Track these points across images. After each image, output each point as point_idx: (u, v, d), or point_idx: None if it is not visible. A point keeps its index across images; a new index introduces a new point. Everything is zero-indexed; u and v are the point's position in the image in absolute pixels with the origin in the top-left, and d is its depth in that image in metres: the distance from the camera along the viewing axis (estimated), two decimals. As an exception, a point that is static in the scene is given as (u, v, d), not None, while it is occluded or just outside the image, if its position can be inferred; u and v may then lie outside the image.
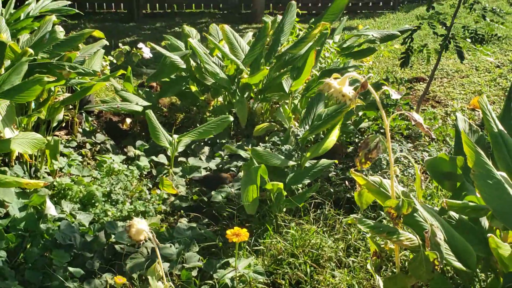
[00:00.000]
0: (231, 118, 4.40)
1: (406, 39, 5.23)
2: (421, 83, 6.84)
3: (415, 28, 5.31)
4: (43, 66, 3.71)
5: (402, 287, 2.36)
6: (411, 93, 6.32)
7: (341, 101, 2.16)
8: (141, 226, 2.24)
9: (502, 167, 2.45)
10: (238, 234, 2.51)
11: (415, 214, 2.25)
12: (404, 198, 2.17)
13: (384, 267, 3.05)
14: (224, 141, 4.74)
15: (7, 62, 3.93)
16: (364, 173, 3.88)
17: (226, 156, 4.57)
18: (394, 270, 2.90)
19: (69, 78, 3.83)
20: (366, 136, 4.80)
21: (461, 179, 2.60)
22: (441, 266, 2.16)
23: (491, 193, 2.24)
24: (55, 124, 4.43)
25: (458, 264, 2.17)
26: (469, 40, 5.22)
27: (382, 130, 4.98)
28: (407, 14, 11.70)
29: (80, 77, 4.17)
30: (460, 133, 2.52)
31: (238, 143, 4.70)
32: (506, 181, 2.30)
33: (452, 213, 2.43)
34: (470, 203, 2.34)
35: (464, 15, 10.20)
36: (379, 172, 3.89)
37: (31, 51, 3.83)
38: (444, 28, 5.12)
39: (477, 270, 2.51)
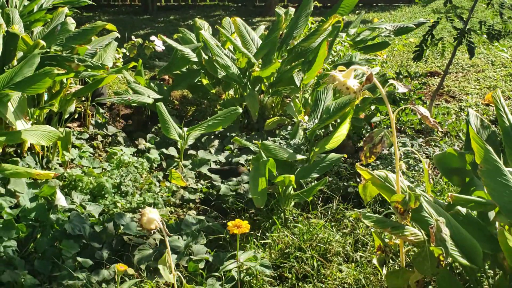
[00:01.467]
0: (240, 110, 4.40)
1: (427, 36, 5.14)
2: (435, 77, 6.79)
3: (433, 23, 5.25)
4: (53, 59, 3.73)
5: (405, 281, 2.35)
6: (425, 87, 6.28)
7: (345, 94, 2.15)
8: (153, 216, 2.25)
9: (513, 162, 2.43)
10: (239, 225, 2.52)
11: (421, 210, 2.24)
12: (411, 192, 2.15)
13: (391, 262, 3.04)
14: (234, 134, 4.74)
15: (19, 54, 3.96)
16: (373, 167, 3.86)
17: (236, 150, 4.58)
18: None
19: (78, 70, 3.84)
20: (377, 130, 4.76)
21: (469, 175, 2.58)
22: (446, 262, 2.15)
23: (498, 189, 2.22)
24: (67, 116, 4.45)
25: (464, 260, 2.15)
26: (485, 36, 5.15)
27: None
28: (424, 8, 11.62)
29: (91, 70, 4.19)
30: (474, 130, 2.50)
31: (248, 137, 4.70)
32: (514, 177, 2.28)
33: (460, 209, 2.41)
34: (476, 198, 2.32)
35: (482, 9, 10.11)
36: (390, 166, 3.87)
37: (43, 43, 3.86)
38: (461, 22, 5.06)
39: (486, 267, 2.50)
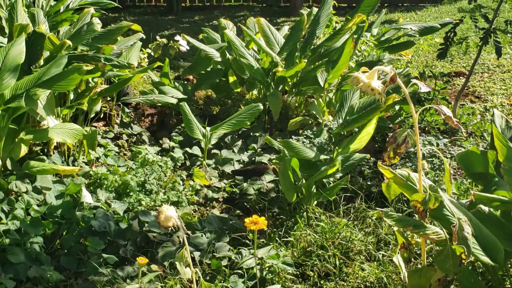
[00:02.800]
0: (261, 106, 4.42)
1: (449, 33, 5.14)
2: (461, 77, 6.74)
3: (457, 21, 5.22)
4: (79, 58, 3.78)
5: (427, 280, 2.34)
6: (450, 87, 6.24)
7: (371, 95, 2.15)
8: (170, 213, 2.28)
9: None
10: (256, 222, 2.53)
11: (442, 208, 2.24)
12: (431, 193, 2.15)
13: (414, 261, 3.03)
14: (257, 134, 4.76)
15: (46, 54, 4.02)
16: (397, 166, 3.85)
17: (259, 149, 4.60)
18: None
19: (105, 70, 3.89)
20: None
21: (492, 173, 2.57)
22: (469, 260, 2.14)
23: (521, 188, 2.22)
24: (92, 115, 4.52)
25: (485, 258, 2.14)
26: (510, 35, 5.12)
27: (419, 125, 4.94)
28: (450, 7, 11.52)
29: (117, 70, 4.25)
30: (497, 129, 2.48)
31: (271, 137, 4.71)
32: (537, 177, 2.26)
33: (482, 207, 2.40)
34: (498, 196, 2.32)
35: (508, 9, 10.00)
36: (414, 166, 3.85)
37: (69, 43, 3.91)
38: (486, 21, 5.04)
39: (508, 266, 2.48)
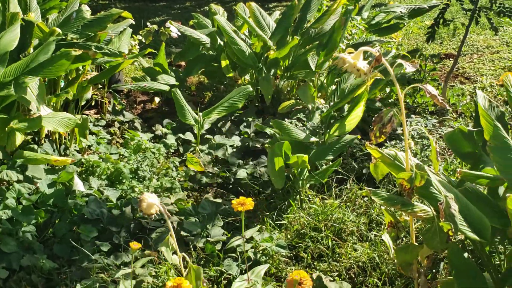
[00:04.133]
0: (250, 88, 4.43)
1: (438, 19, 5.16)
2: (450, 59, 6.76)
3: (445, 5, 5.24)
4: (69, 46, 3.75)
5: (413, 256, 2.37)
6: (440, 69, 6.27)
7: (356, 75, 2.17)
8: (152, 200, 2.27)
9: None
10: (243, 203, 2.55)
11: (429, 186, 2.26)
12: (417, 171, 2.18)
13: (404, 239, 3.06)
14: (250, 119, 4.76)
15: (35, 41, 4.01)
16: (387, 148, 3.88)
17: (252, 134, 4.61)
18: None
19: (95, 58, 3.89)
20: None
21: (479, 152, 2.59)
22: (458, 238, 2.16)
23: (507, 165, 2.24)
24: (83, 103, 4.51)
25: (473, 235, 2.17)
26: (495, 13, 5.17)
27: (410, 106, 4.96)
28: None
29: (108, 57, 4.24)
30: (482, 108, 2.49)
31: (263, 121, 4.72)
32: (523, 154, 2.28)
33: (470, 185, 2.42)
34: (484, 173, 2.34)
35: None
36: (403, 147, 3.87)
37: (58, 30, 3.90)
38: (471, 2, 5.07)
39: (496, 243, 2.51)
